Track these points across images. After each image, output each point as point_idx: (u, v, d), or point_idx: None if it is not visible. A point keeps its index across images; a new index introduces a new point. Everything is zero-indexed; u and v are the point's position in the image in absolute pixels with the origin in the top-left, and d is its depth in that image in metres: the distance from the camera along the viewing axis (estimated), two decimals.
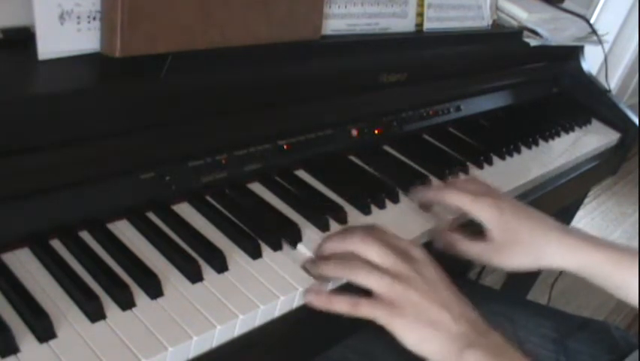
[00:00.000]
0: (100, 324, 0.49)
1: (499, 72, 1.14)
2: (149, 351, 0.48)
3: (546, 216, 0.73)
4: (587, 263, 0.71)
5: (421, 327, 0.56)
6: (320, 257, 0.62)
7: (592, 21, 1.31)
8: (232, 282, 0.57)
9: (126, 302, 0.51)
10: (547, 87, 1.31)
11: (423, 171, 0.86)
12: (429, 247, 0.75)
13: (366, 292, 0.58)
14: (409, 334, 0.56)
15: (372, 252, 0.59)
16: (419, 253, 0.61)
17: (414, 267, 0.59)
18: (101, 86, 0.57)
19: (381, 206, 0.75)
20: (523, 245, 0.70)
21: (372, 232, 0.61)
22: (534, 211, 0.73)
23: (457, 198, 0.71)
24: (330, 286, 0.62)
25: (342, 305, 0.57)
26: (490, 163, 0.96)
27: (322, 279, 0.61)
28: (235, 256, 0.60)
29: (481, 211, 0.70)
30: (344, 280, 0.62)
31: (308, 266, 0.62)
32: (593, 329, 0.92)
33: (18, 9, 0.54)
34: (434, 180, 0.85)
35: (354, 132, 0.83)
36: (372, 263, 0.59)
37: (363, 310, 0.57)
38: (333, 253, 0.61)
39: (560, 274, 1.54)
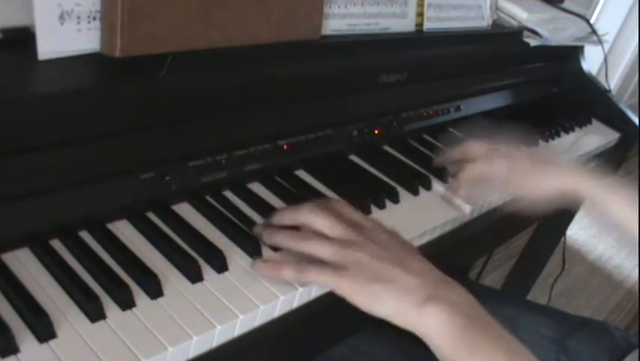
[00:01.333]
0: (100, 324, 0.49)
1: (499, 72, 1.14)
2: (149, 351, 0.48)
3: (553, 157, 0.86)
4: (591, 188, 0.77)
5: (372, 285, 0.53)
6: (271, 227, 0.61)
7: (592, 21, 1.31)
8: (232, 282, 0.57)
9: (126, 302, 0.51)
10: (547, 87, 1.31)
11: (423, 171, 0.86)
12: (430, 247, 0.76)
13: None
14: (360, 294, 0.53)
15: (321, 222, 0.58)
16: (370, 222, 0.60)
17: (366, 234, 0.58)
18: (101, 86, 0.57)
19: (381, 206, 0.75)
20: (540, 175, 0.78)
21: (323, 204, 0.60)
22: (541, 151, 0.88)
23: (473, 171, 0.79)
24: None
25: (290, 272, 0.56)
26: None
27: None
28: (235, 256, 0.60)
29: (494, 170, 0.79)
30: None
31: (258, 231, 0.61)
32: (593, 328, 0.92)
33: (18, 9, 0.54)
34: (434, 180, 0.85)
35: (354, 132, 0.83)
36: (321, 233, 0.57)
37: (311, 275, 0.55)
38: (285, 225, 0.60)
39: (560, 274, 1.54)
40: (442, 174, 0.86)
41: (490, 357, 0.51)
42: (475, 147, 0.82)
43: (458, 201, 0.81)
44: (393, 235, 0.60)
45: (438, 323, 0.52)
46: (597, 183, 0.77)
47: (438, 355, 0.52)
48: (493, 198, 0.85)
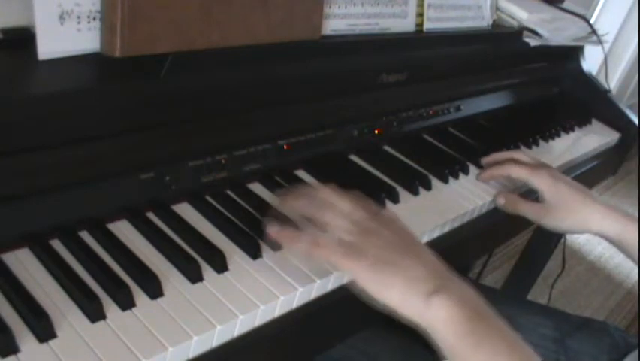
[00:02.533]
0: (100, 324, 0.49)
1: (499, 72, 1.14)
2: (149, 351, 0.48)
3: (591, 192, 0.87)
4: (627, 236, 0.82)
5: (383, 271, 0.54)
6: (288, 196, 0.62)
7: (592, 21, 1.31)
8: (232, 282, 0.57)
9: (126, 302, 0.51)
10: (547, 87, 1.31)
11: (423, 171, 0.86)
12: (430, 247, 0.75)
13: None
14: (370, 278, 0.54)
15: (342, 203, 0.59)
16: (388, 213, 0.62)
17: (382, 221, 0.59)
18: (101, 86, 0.57)
19: (381, 206, 0.75)
20: (572, 210, 0.83)
21: (341, 191, 0.61)
22: (582, 186, 0.87)
23: (518, 170, 0.85)
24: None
25: (304, 244, 0.56)
26: None
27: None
28: (235, 256, 0.60)
29: (539, 180, 0.84)
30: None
31: (276, 200, 0.62)
32: (593, 329, 0.92)
33: (18, 9, 0.54)
34: (434, 180, 0.85)
35: (354, 132, 0.83)
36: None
37: (324, 251, 0.55)
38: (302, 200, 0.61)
39: (560, 274, 1.54)
40: (442, 174, 0.86)
41: (493, 350, 0.52)
42: (522, 156, 0.89)
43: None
44: (405, 228, 0.62)
45: (444, 313, 0.52)
46: (629, 227, 0.81)
47: (442, 346, 0.52)
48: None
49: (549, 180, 0.84)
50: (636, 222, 0.81)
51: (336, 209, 0.58)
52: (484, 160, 0.92)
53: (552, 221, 0.84)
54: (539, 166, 0.87)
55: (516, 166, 0.86)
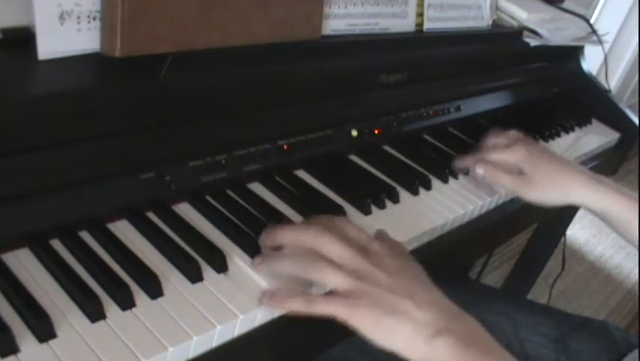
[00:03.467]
0: (100, 324, 0.49)
1: (499, 72, 1.14)
2: (149, 351, 0.48)
3: (572, 162, 0.86)
4: (609, 207, 0.80)
5: (384, 318, 0.52)
6: (271, 247, 0.59)
7: (592, 21, 1.31)
8: (232, 282, 0.57)
9: (126, 302, 0.51)
10: (547, 87, 1.31)
11: (423, 171, 0.86)
12: (430, 247, 0.76)
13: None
14: (371, 327, 0.52)
15: (330, 247, 0.55)
16: (379, 247, 0.58)
17: (374, 261, 0.56)
18: (101, 86, 0.57)
19: (381, 206, 0.75)
20: (552, 182, 0.81)
21: (330, 225, 0.58)
22: (561, 157, 0.86)
23: (493, 152, 0.84)
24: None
25: (298, 304, 0.54)
26: None
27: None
28: (235, 256, 0.60)
29: (515, 155, 0.83)
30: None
31: (258, 263, 0.58)
32: (593, 328, 0.92)
33: (18, 9, 0.54)
34: (434, 180, 0.85)
35: (354, 132, 0.83)
36: (328, 259, 0.55)
37: (320, 307, 0.53)
38: (287, 245, 0.58)
39: (560, 274, 1.54)
40: (442, 174, 0.86)
41: None
42: (496, 138, 0.87)
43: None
44: (400, 256, 0.59)
45: (449, 356, 0.51)
46: (609, 196, 0.79)
47: None
48: (500, 190, 0.87)
49: (525, 153, 0.82)
50: (618, 192, 0.79)
51: (324, 264, 0.55)
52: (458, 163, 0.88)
53: (533, 194, 0.82)
54: (515, 141, 0.85)
55: (491, 149, 0.85)
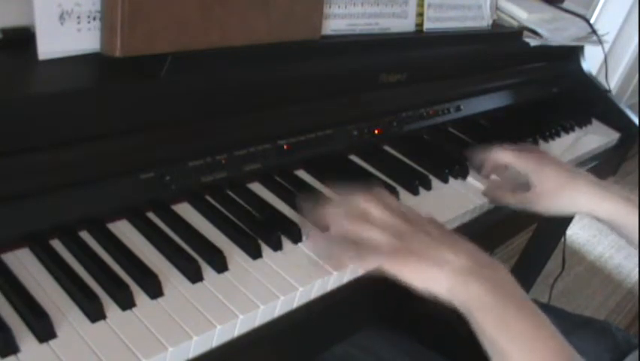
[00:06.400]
0: (100, 324, 0.49)
1: (499, 72, 1.14)
2: (149, 351, 0.48)
3: (581, 171, 0.85)
4: (619, 217, 0.79)
5: (426, 267, 0.58)
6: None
7: (592, 21, 1.31)
8: (232, 282, 0.57)
9: (126, 302, 0.51)
10: (547, 87, 1.31)
11: (423, 171, 0.86)
12: None
13: None
14: (415, 275, 0.58)
15: (375, 211, 0.61)
16: (415, 213, 0.65)
17: (415, 225, 0.62)
18: (101, 86, 0.57)
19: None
20: (559, 191, 0.81)
21: (374, 194, 0.64)
22: (571, 166, 0.86)
23: (504, 155, 0.85)
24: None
25: (353, 261, 0.61)
26: None
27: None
28: (235, 256, 0.60)
29: (524, 163, 0.83)
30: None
31: (306, 207, 0.65)
32: (594, 328, 0.92)
33: (18, 9, 0.54)
34: (434, 180, 0.85)
35: (354, 132, 0.83)
36: (374, 223, 0.61)
37: (371, 260, 0.59)
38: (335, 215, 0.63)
39: (560, 274, 1.54)
40: (442, 174, 0.86)
41: (520, 334, 0.55)
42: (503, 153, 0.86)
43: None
44: (437, 223, 0.64)
45: (479, 298, 0.56)
46: (619, 206, 0.79)
47: (477, 329, 0.57)
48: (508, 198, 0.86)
49: (534, 163, 0.82)
50: (629, 201, 0.79)
51: (369, 220, 0.61)
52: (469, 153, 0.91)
53: (541, 205, 0.82)
54: (525, 149, 0.86)
55: (501, 151, 0.85)
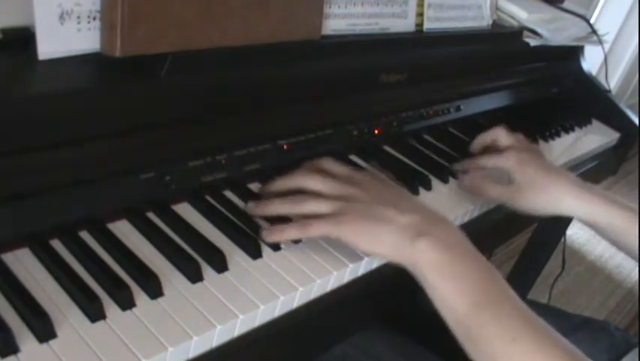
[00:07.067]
0: (100, 324, 0.49)
1: (499, 72, 1.14)
2: (149, 351, 0.48)
3: (563, 170, 0.84)
4: (601, 218, 0.78)
5: (369, 227, 0.57)
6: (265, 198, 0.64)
7: (592, 21, 1.31)
8: (232, 282, 0.57)
9: (126, 302, 0.51)
10: (547, 87, 1.31)
11: (423, 171, 0.86)
12: None
13: None
14: (359, 237, 0.57)
15: (314, 182, 0.61)
16: (359, 174, 0.64)
17: (357, 185, 0.61)
18: (101, 86, 0.57)
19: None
20: (541, 191, 0.79)
21: (313, 164, 0.64)
22: (553, 165, 0.84)
23: (487, 158, 0.83)
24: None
25: (294, 231, 0.60)
26: None
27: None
28: (235, 256, 0.60)
29: (505, 161, 0.81)
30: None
31: (251, 208, 0.64)
32: (593, 328, 0.93)
33: (18, 9, 0.54)
34: (434, 180, 0.85)
35: (354, 132, 0.83)
36: (316, 193, 0.61)
37: (313, 229, 0.59)
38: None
39: (560, 274, 1.54)
40: (442, 174, 0.86)
41: (470, 286, 0.55)
42: (503, 137, 0.85)
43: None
44: (382, 180, 0.64)
45: (427, 255, 0.56)
46: (600, 208, 0.78)
47: (426, 287, 0.56)
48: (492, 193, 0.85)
49: (515, 160, 0.80)
50: (611, 202, 0.77)
51: (310, 196, 0.61)
52: (471, 145, 0.90)
53: (522, 203, 0.80)
54: (508, 148, 0.83)
55: (485, 156, 0.84)
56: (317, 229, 0.58)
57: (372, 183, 0.62)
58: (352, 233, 0.57)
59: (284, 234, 0.60)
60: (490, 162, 0.83)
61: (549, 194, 0.79)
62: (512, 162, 0.81)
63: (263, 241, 0.61)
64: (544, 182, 0.79)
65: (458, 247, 0.57)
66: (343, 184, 0.61)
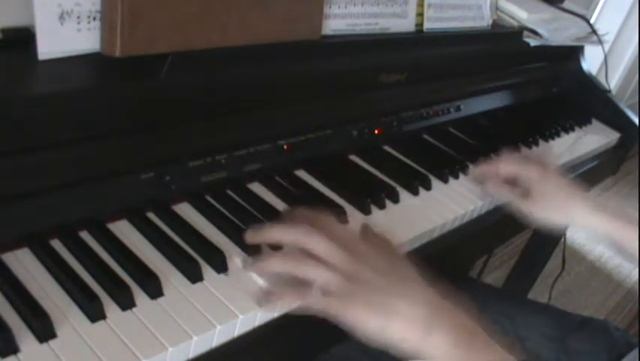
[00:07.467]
0: (100, 324, 0.49)
1: (499, 72, 1.14)
2: (149, 351, 0.48)
3: (582, 190, 0.87)
4: (614, 234, 0.81)
5: (376, 317, 0.54)
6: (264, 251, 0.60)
7: (592, 21, 1.31)
8: (232, 282, 0.57)
9: (126, 302, 0.51)
10: (547, 87, 1.31)
11: (423, 171, 0.86)
12: (430, 247, 0.75)
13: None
14: (367, 323, 0.54)
15: (318, 246, 0.56)
16: (365, 247, 0.59)
17: (362, 261, 0.57)
18: (101, 86, 0.57)
19: (381, 206, 0.75)
20: (557, 203, 0.84)
21: (317, 224, 0.58)
22: (572, 182, 0.88)
23: (506, 165, 0.86)
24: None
25: (293, 299, 0.56)
26: None
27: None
28: (235, 256, 0.60)
29: (527, 172, 0.85)
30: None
31: (249, 263, 0.59)
32: (593, 328, 0.92)
33: (18, 9, 0.54)
34: (434, 180, 0.85)
35: (354, 132, 0.83)
36: (316, 257, 0.56)
37: (318, 304, 0.55)
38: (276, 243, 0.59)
39: (560, 274, 1.54)
40: (442, 174, 0.86)
41: None
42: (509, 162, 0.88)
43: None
44: (388, 254, 0.60)
45: (440, 350, 0.54)
46: (617, 225, 0.81)
47: None
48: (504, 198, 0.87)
49: (537, 173, 0.84)
50: (625, 220, 0.80)
51: (315, 262, 0.55)
52: (475, 172, 0.91)
53: (538, 213, 0.84)
54: (530, 160, 0.87)
55: (504, 161, 0.87)
56: (321, 305, 0.54)
57: (377, 259, 0.58)
58: (360, 320, 0.54)
59: (282, 300, 0.56)
60: (510, 169, 0.86)
61: (565, 208, 0.84)
62: (534, 173, 0.84)
63: (258, 304, 0.56)
64: (561, 197, 0.84)
65: (468, 335, 0.55)
66: (347, 254, 0.56)
